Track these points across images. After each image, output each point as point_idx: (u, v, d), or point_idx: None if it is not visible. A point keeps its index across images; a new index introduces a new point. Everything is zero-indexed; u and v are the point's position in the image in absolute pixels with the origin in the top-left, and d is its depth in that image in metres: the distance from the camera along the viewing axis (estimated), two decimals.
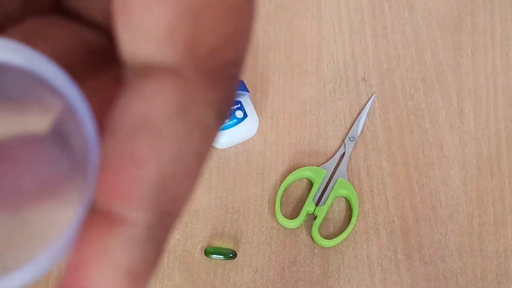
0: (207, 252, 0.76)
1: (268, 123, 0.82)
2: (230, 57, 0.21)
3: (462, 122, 0.82)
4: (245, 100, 0.79)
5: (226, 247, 0.77)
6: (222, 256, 0.76)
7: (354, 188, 0.79)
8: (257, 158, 0.80)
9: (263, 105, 0.83)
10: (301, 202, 0.79)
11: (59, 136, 0.22)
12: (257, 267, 0.77)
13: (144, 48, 0.20)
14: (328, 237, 0.77)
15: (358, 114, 0.82)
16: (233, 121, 0.78)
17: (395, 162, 0.80)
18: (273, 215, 0.78)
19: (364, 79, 0.84)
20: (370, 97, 0.83)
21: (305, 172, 0.79)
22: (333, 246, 0.77)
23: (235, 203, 0.79)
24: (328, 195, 0.78)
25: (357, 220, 0.78)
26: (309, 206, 0.77)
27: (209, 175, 0.80)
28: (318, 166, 0.80)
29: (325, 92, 0.83)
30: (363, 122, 0.82)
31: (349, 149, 0.80)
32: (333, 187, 0.78)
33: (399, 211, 0.79)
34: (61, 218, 0.22)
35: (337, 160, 0.80)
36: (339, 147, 0.81)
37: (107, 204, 0.20)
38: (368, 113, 0.82)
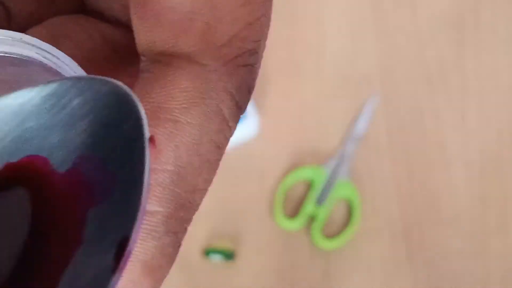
0: (207, 253, 0.76)
1: (268, 123, 0.82)
2: (248, 46, 0.21)
3: (465, 122, 0.82)
4: None
5: (226, 248, 0.77)
6: (221, 256, 0.76)
7: (355, 189, 0.79)
8: (257, 158, 0.80)
9: (263, 105, 0.82)
10: (301, 202, 0.79)
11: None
12: (257, 269, 0.77)
13: (162, 37, 0.20)
14: (328, 238, 0.77)
15: (359, 114, 0.82)
16: None
17: (397, 162, 0.80)
18: (273, 215, 0.78)
19: (365, 78, 0.84)
20: (371, 97, 0.83)
21: (305, 172, 0.79)
22: (334, 248, 0.77)
23: (234, 203, 0.78)
24: (329, 196, 0.78)
25: (358, 221, 0.78)
26: (309, 207, 0.77)
27: None
28: (318, 166, 0.79)
29: (325, 92, 0.83)
30: (364, 122, 0.81)
31: (350, 149, 0.80)
32: (333, 188, 0.78)
33: (401, 212, 0.78)
34: None
35: (338, 160, 0.80)
36: (340, 147, 0.81)
37: None
38: (369, 113, 0.82)
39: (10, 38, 0.20)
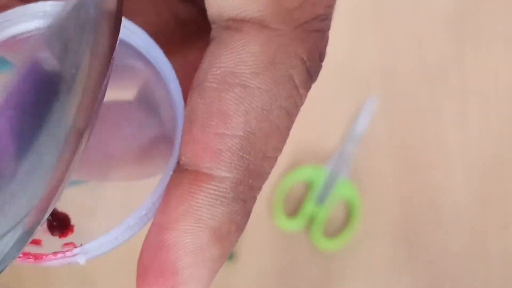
0: None
1: None
2: (320, 10, 0.20)
3: (465, 122, 0.82)
4: None
5: None
6: None
7: (355, 189, 0.79)
8: None
9: None
10: (301, 203, 0.79)
11: (147, 103, 0.22)
12: (256, 269, 0.77)
13: (232, 1, 0.19)
14: (328, 239, 0.77)
15: (359, 113, 0.82)
16: None
17: (397, 162, 0.80)
18: (273, 216, 0.78)
19: (365, 78, 0.84)
20: (371, 97, 0.83)
21: (305, 172, 0.79)
22: (334, 248, 0.77)
23: None
24: (329, 196, 0.78)
25: (358, 221, 0.78)
26: (309, 207, 0.77)
27: None
28: (318, 166, 0.79)
29: (325, 92, 0.83)
30: (364, 122, 0.81)
31: (349, 149, 0.80)
32: (333, 188, 0.78)
33: (402, 212, 0.78)
34: (148, 182, 0.22)
35: (338, 160, 0.80)
36: (340, 147, 0.81)
37: (193, 161, 0.20)
38: (370, 113, 0.82)
39: None
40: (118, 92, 0.23)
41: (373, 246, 0.77)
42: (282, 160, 0.79)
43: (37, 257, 0.20)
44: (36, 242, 0.21)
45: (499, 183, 0.80)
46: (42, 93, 0.18)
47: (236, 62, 0.19)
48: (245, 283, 0.76)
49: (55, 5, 0.19)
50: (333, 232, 0.78)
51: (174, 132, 0.20)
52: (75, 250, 0.21)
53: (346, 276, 0.76)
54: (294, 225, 0.77)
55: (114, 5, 0.18)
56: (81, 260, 0.21)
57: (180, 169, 0.20)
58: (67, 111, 0.17)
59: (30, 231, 0.17)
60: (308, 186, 0.79)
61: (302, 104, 0.21)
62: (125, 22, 0.20)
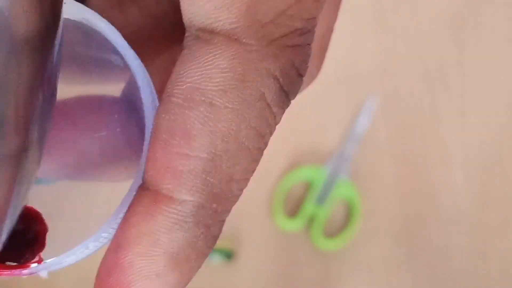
0: None
1: None
2: (298, 24, 0.19)
3: (465, 122, 0.82)
4: None
5: (225, 248, 0.77)
6: (220, 256, 0.76)
7: (355, 189, 0.79)
8: None
9: None
10: (301, 202, 0.79)
11: (130, 103, 0.22)
12: (256, 269, 0.76)
13: (203, 10, 0.18)
14: (328, 239, 0.77)
15: (359, 114, 0.82)
16: None
17: (397, 162, 0.80)
18: (272, 216, 0.78)
19: (365, 78, 0.84)
20: (371, 96, 0.83)
21: (305, 172, 0.79)
22: (334, 248, 0.77)
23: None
24: (329, 196, 0.78)
25: (358, 221, 0.78)
26: (309, 207, 0.77)
27: None
28: (318, 166, 0.79)
29: (325, 91, 0.83)
30: (364, 122, 0.81)
31: (349, 149, 0.80)
32: (333, 188, 0.78)
33: (402, 212, 0.78)
34: (118, 189, 0.21)
35: (338, 160, 0.80)
36: (340, 147, 0.81)
37: (154, 180, 0.19)
38: (370, 113, 0.82)
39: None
40: (105, 86, 0.22)
41: (373, 246, 0.77)
42: (282, 160, 0.80)
43: None
44: None
45: (498, 183, 0.80)
46: None
47: (203, 78, 0.18)
48: (245, 283, 0.76)
49: None
50: (333, 232, 0.78)
51: (143, 144, 0.20)
52: (38, 267, 0.20)
53: (346, 275, 0.76)
54: (294, 225, 0.77)
55: (30, 27, 0.16)
56: (43, 274, 0.21)
57: (143, 186, 0.19)
58: None
59: None
60: (308, 186, 0.79)
61: (276, 123, 0.20)
62: (101, 20, 0.19)
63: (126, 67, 0.20)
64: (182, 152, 0.18)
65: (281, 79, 0.19)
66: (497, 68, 0.85)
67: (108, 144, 0.23)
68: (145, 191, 0.19)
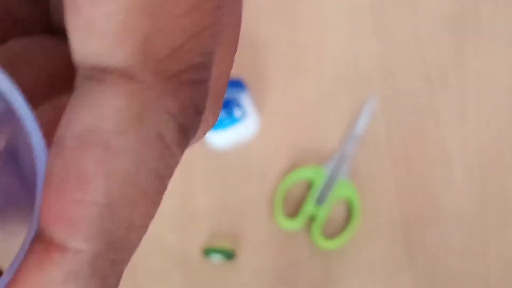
0: (206, 252, 0.76)
1: (268, 123, 0.82)
2: (194, 59, 0.18)
3: (465, 122, 0.82)
4: (245, 100, 0.79)
5: (226, 247, 0.77)
6: (221, 256, 0.76)
7: (355, 189, 0.79)
8: (257, 158, 0.80)
9: (263, 105, 0.82)
10: (301, 202, 0.79)
11: (13, 155, 0.21)
12: (256, 268, 0.77)
13: (95, 48, 0.17)
14: (328, 239, 0.77)
15: (359, 114, 0.82)
16: (233, 121, 0.78)
17: (397, 162, 0.80)
18: (273, 215, 0.78)
19: (365, 78, 0.84)
20: (371, 97, 0.83)
21: (305, 172, 0.79)
22: (334, 248, 0.77)
23: (234, 204, 0.78)
24: (329, 196, 0.78)
25: (358, 221, 0.78)
26: (309, 207, 0.77)
27: (208, 175, 0.79)
28: (318, 166, 0.79)
29: (325, 92, 0.83)
30: (364, 122, 0.81)
31: (349, 149, 0.80)
32: (333, 188, 0.78)
33: (401, 212, 0.79)
34: (9, 245, 0.20)
35: (338, 160, 0.80)
36: (340, 147, 0.81)
37: (48, 229, 0.18)
38: (369, 113, 0.82)
39: None
40: None
41: (372, 245, 0.78)
42: (283, 160, 0.80)
43: None
44: None
45: (498, 183, 0.80)
46: None
47: (97, 118, 0.17)
48: (246, 282, 0.76)
49: None
50: (333, 231, 0.78)
51: (35, 192, 0.18)
52: None
53: (346, 274, 0.77)
54: (294, 225, 0.77)
55: None
56: None
57: (37, 236, 0.18)
58: None
59: None
60: (308, 186, 0.80)
61: (176, 164, 0.19)
62: None
63: (9, 113, 0.19)
64: (76, 198, 0.17)
65: (180, 117, 0.18)
66: (497, 68, 0.85)
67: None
68: (38, 241, 0.18)
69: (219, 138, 0.79)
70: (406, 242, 0.78)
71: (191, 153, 0.80)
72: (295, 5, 0.87)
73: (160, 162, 0.18)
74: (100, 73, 0.18)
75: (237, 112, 0.79)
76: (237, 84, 0.79)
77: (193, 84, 0.18)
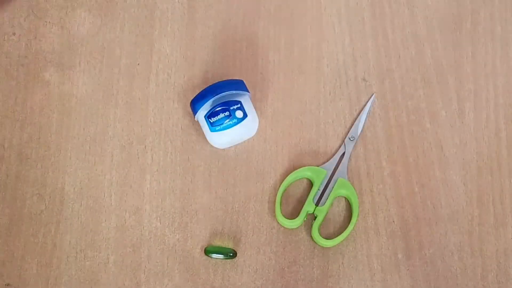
0: (207, 252, 0.76)
1: (268, 123, 0.82)
2: None
3: (462, 122, 0.82)
4: (245, 100, 0.79)
5: (226, 247, 0.77)
6: (222, 256, 0.76)
7: (354, 188, 0.79)
8: (257, 158, 0.80)
9: (263, 105, 0.83)
10: (301, 202, 0.79)
11: None
12: (257, 267, 0.77)
13: None
14: (328, 237, 0.77)
15: (358, 114, 0.82)
16: (233, 121, 0.78)
17: (395, 162, 0.80)
18: (273, 215, 0.78)
19: (364, 79, 0.84)
20: (370, 97, 0.83)
21: (305, 172, 0.79)
22: (333, 246, 0.77)
23: (235, 203, 0.79)
24: (328, 195, 0.78)
25: (357, 220, 0.78)
26: (309, 206, 0.77)
27: (209, 175, 0.80)
28: (318, 166, 0.80)
29: (325, 92, 0.83)
30: (363, 122, 0.82)
31: (349, 149, 0.80)
32: (333, 187, 0.78)
33: (399, 211, 0.79)
34: None
35: (337, 160, 0.80)
36: (339, 147, 0.81)
37: None
38: (368, 113, 0.82)
39: None
40: None
41: (371, 244, 0.78)
42: (283, 160, 0.80)
43: None
44: None
45: (495, 183, 0.80)
46: None
47: None
48: (246, 281, 0.76)
49: None
50: (332, 230, 0.78)
51: None
52: None
53: (345, 273, 0.77)
54: (294, 224, 0.77)
55: None
56: None
57: None
58: None
59: None
60: (308, 186, 0.80)
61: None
62: None
63: None
64: None
65: None
66: (494, 69, 0.85)
67: None
68: None
69: (219, 138, 0.79)
70: (404, 241, 0.78)
71: (192, 153, 0.81)
72: (295, 6, 0.87)
73: None
74: None
75: (237, 113, 0.79)
76: (238, 85, 0.79)
77: None
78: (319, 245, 0.77)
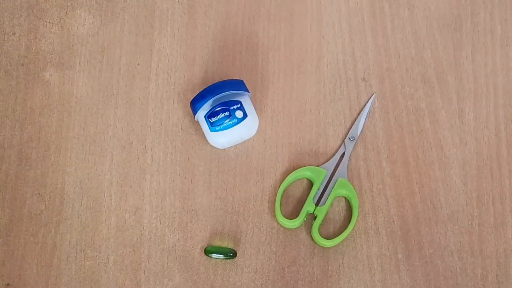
0: (207, 252, 0.76)
1: (268, 123, 0.82)
2: None
3: (462, 122, 0.82)
4: (245, 100, 0.80)
5: (226, 247, 0.77)
6: (222, 256, 0.76)
7: (354, 188, 0.79)
8: (257, 158, 0.80)
9: (263, 105, 0.83)
10: (301, 202, 0.79)
11: None
12: (257, 267, 0.77)
13: None
14: (328, 237, 0.77)
15: (358, 114, 0.82)
16: (233, 121, 0.78)
17: (395, 162, 0.80)
18: (273, 215, 0.78)
19: (364, 79, 0.84)
20: (370, 97, 0.83)
21: (305, 172, 0.79)
22: (333, 246, 0.77)
23: (235, 203, 0.79)
24: (328, 195, 0.78)
25: (357, 220, 0.78)
26: (309, 206, 0.77)
27: (209, 175, 0.80)
28: (318, 166, 0.80)
29: (325, 92, 0.83)
30: (363, 122, 0.82)
31: (349, 149, 0.80)
32: (333, 187, 0.78)
33: (399, 211, 0.79)
34: None
35: (337, 160, 0.80)
36: (339, 147, 0.81)
37: None
38: (368, 113, 0.82)
39: None
40: None
41: (371, 243, 0.78)
42: (283, 160, 0.80)
43: None
44: None
45: (495, 183, 0.80)
46: None
47: None
48: (246, 281, 0.76)
49: None
50: (332, 230, 0.78)
51: None
52: None
53: (345, 273, 0.77)
54: (294, 224, 0.77)
55: None
56: None
57: None
58: None
59: None
60: (308, 186, 0.80)
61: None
62: None
63: None
64: None
65: None
66: (494, 69, 0.85)
67: None
68: None
69: (219, 138, 0.79)
70: (404, 241, 0.78)
71: (192, 153, 0.81)
72: (295, 6, 0.87)
73: None
74: None
75: (237, 113, 0.79)
76: (238, 85, 0.79)
77: None
78: (319, 245, 0.77)
